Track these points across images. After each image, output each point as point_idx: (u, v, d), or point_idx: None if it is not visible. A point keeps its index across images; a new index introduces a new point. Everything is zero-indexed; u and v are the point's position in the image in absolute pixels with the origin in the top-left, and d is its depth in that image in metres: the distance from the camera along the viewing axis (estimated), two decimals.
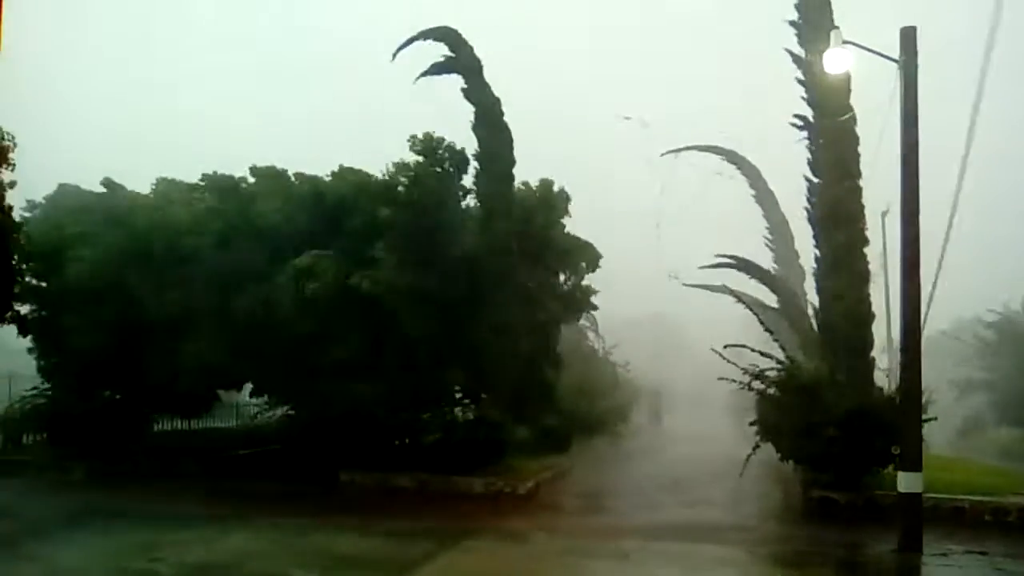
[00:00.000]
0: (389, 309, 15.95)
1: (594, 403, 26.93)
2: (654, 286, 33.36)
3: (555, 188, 19.55)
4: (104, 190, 19.41)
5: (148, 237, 17.56)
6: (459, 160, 17.58)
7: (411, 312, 16.11)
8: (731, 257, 21.38)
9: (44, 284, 18.51)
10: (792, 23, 16.53)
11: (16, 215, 14.15)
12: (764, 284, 21.66)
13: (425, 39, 18.28)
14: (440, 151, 17.16)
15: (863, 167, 15.64)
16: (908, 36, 11.71)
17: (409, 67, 17.92)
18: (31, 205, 18.72)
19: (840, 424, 13.90)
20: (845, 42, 12.14)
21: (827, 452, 14.12)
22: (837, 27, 13.12)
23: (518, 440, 18.87)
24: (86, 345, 17.79)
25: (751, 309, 21.60)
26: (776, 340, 18.44)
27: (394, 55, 17.95)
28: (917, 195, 11.45)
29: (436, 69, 18.17)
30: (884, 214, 26.90)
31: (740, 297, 22.56)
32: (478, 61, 18.22)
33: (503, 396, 17.88)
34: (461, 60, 18.19)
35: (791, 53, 16.60)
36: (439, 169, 17.16)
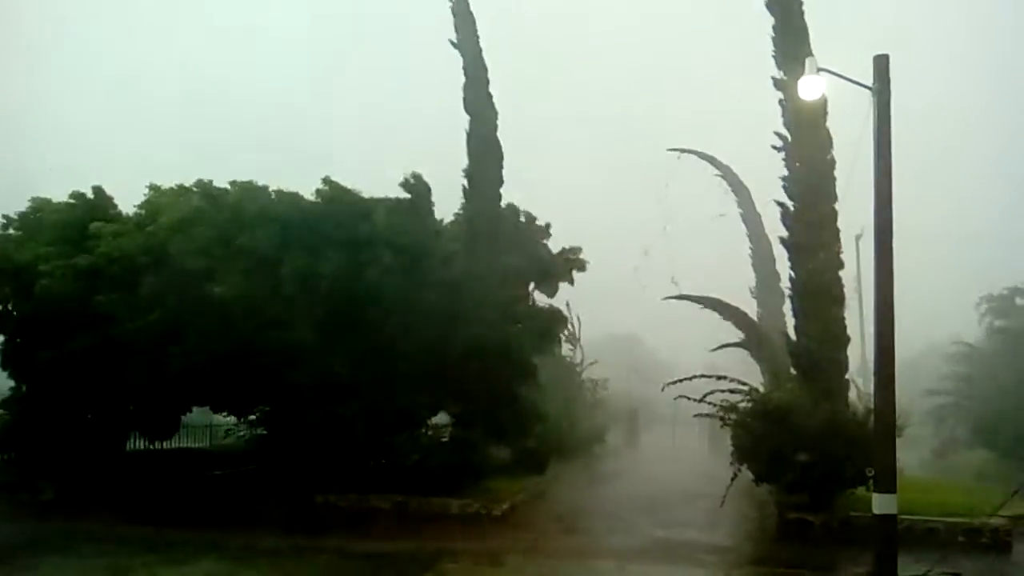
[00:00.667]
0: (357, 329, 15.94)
1: (571, 424, 26.89)
2: (633, 304, 33.52)
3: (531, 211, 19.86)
4: (74, 202, 19.15)
5: (120, 256, 17.34)
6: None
7: (385, 323, 16.09)
8: (701, 298, 21.64)
9: (11, 309, 18.25)
10: (772, 53, 16.76)
11: None
12: (735, 323, 21.96)
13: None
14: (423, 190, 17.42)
15: (838, 191, 15.82)
16: (881, 64, 11.87)
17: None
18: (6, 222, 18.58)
19: (810, 447, 13.98)
20: (820, 69, 12.30)
21: (799, 476, 14.19)
22: (811, 55, 13.29)
23: (494, 461, 18.80)
24: (57, 367, 17.48)
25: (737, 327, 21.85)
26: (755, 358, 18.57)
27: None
28: (891, 220, 11.55)
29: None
30: (858, 238, 27.21)
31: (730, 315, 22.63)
32: (485, 69, 18.52)
33: (479, 417, 17.85)
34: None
35: (773, 78, 16.79)
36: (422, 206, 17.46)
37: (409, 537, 13.63)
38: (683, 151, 30.69)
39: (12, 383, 19.09)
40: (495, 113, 18.68)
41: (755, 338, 20.45)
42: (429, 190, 17.88)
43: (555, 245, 21.46)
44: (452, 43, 19.07)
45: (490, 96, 18.72)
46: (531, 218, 20.57)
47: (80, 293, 17.11)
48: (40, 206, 19.10)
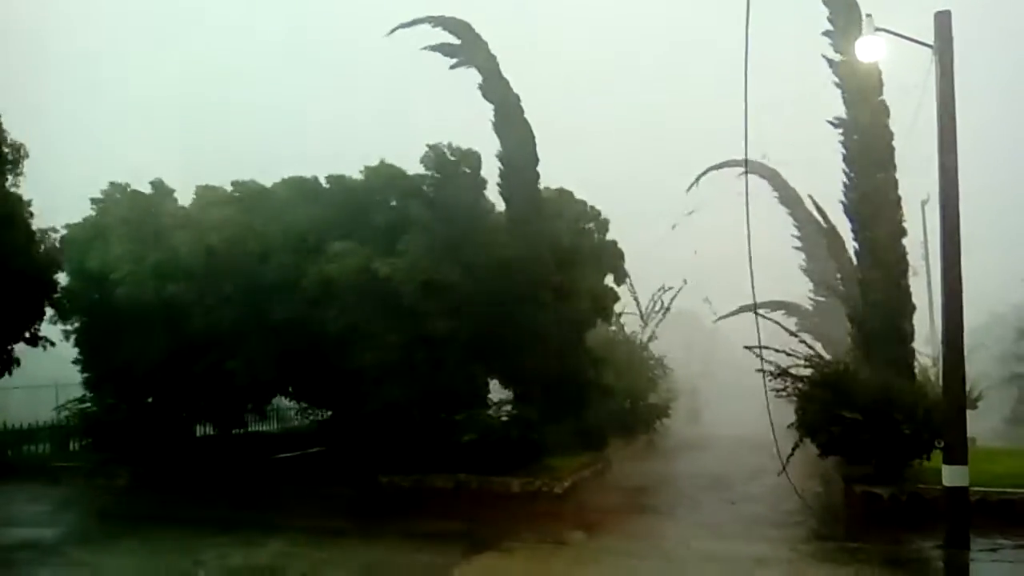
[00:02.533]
0: (410, 303, 16.06)
1: (633, 399, 26.77)
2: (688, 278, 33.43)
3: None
4: (151, 191, 19.87)
5: (187, 250, 17.89)
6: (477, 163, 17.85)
7: (432, 306, 16.22)
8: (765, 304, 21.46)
9: (95, 296, 18.90)
10: (825, 31, 16.41)
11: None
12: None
13: (434, 26, 18.66)
14: (458, 157, 17.39)
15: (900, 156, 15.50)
16: (943, 21, 11.46)
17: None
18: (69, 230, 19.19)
19: (873, 417, 13.72)
20: (877, 29, 11.95)
21: (857, 441, 13.95)
22: (869, 15, 12.88)
23: (555, 439, 18.83)
24: (129, 356, 18.19)
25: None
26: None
27: (391, 31, 18.74)
28: (956, 185, 11.20)
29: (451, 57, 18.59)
30: (924, 203, 26.51)
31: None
32: (494, 57, 18.42)
33: (538, 395, 17.89)
34: (477, 56, 18.42)
35: (825, 57, 16.49)
36: (466, 169, 17.37)
37: (471, 516, 13.75)
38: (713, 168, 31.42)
39: (87, 372, 19.79)
40: (517, 97, 18.56)
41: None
42: (479, 162, 17.83)
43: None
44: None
45: (507, 81, 18.59)
46: (572, 197, 20.49)
47: (153, 289, 17.79)
48: (104, 202, 19.75)
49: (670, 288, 32.38)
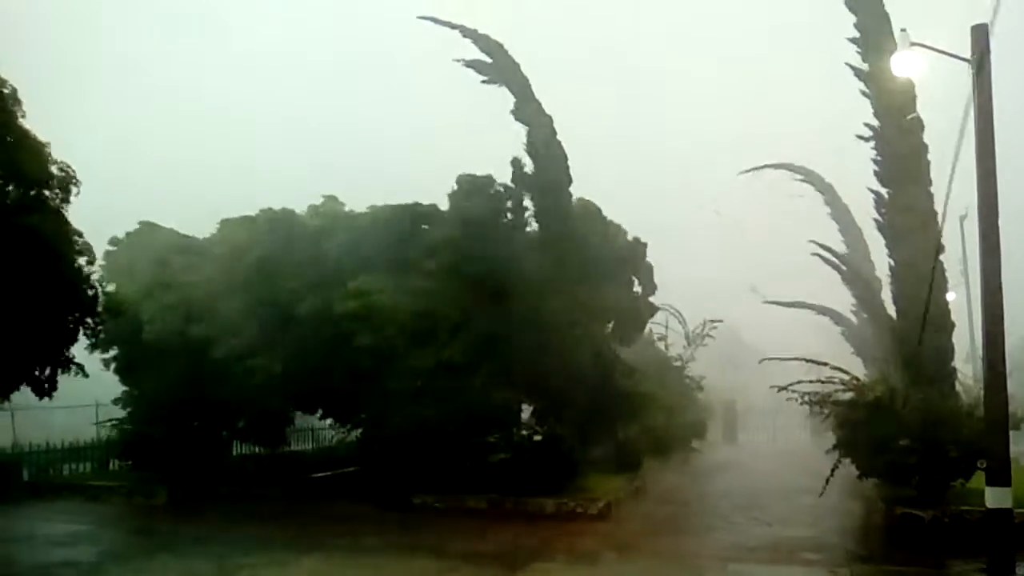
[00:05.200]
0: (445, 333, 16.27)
1: (668, 418, 26.54)
2: (724, 297, 33.38)
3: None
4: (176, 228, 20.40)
5: (220, 281, 18.35)
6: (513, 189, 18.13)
7: (469, 333, 16.43)
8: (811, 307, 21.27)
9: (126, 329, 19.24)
10: (853, 39, 16.28)
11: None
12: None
13: (464, 35, 18.90)
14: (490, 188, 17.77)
15: (939, 171, 15.28)
16: (980, 34, 11.33)
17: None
18: (113, 241, 19.55)
19: (913, 437, 13.47)
20: (913, 44, 11.82)
21: (903, 465, 13.71)
22: (904, 29, 12.76)
23: (590, 458, 18.72)
24: (166, 380, 18.60)
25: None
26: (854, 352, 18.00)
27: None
28: (996, 200, 11.01)
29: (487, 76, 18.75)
30: (963, 218, 26.11)
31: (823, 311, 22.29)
32: (526, 79, 18.61)
33: (572, 414, 17.83)
34: (511, 78, 18.61)
35: (851, 66, 16.33)
36: (492, 191, 17.69)
37: (505, 537, 13.68)
38: (755, 168, 31.93)
39: (126, 392, 20.10)
40: (550, 119, 18.66)
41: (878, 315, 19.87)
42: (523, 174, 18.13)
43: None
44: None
45: (540, 104, 18.72)
46: (600, 214, 20.57)
47: (175, 327, 18.36)
48: (123, 242, 20.27)
49: (719, 321, 33.10)
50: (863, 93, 16.14)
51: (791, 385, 15.40)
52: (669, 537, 14.27)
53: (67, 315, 13.77)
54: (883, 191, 16.03)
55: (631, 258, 21.20)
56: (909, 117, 14.76)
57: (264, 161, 68.94)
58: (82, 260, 13.82)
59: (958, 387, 15.39)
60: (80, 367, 14.57)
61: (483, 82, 18.88)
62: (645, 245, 21.61)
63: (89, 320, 14.33)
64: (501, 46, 18.85)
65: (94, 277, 14.38)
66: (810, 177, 32.15)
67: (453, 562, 11.76)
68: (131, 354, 19.32)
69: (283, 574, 11.14)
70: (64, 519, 15.85)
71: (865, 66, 16.14)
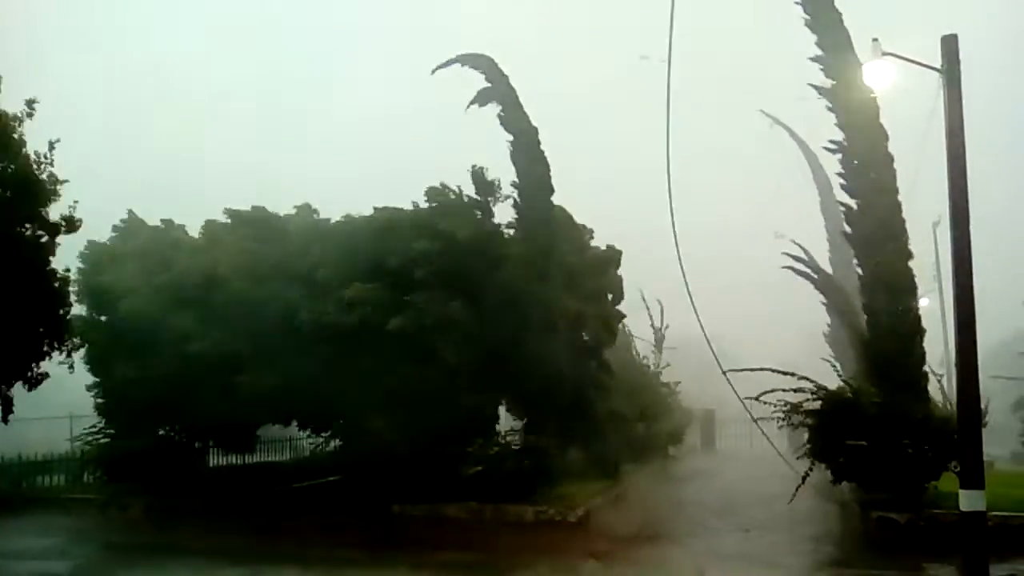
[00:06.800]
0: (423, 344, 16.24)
1: (645, 426, 26.59)
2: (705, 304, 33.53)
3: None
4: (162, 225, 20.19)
5: (197, 281, 18.01)
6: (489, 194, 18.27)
7: (447, 343, 16.42)
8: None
9: (101, 318, 18.98)
10: (815, 58, 16.42)
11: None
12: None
13: (462, 65, 18.89)
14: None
15: (909, 179, 15.51)
16: (950, 44, 11.52)
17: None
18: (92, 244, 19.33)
19: (885, 441, 13.63)
20: (884, 53, 11.98)
21: (866, 466, 13.87)
22: (876, 39, 12.91)
23: (568, 466, 18.73)
24: (140, 386, 18.12)
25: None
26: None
27: (433, 71, 19.22)
28: (967, 207, 11.19)
29: (479, 98, 18.73)
30: (936, 225, 26.42)
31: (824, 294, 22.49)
32: (514, 90, 18.58)
33: (550, 422, 17.84)
34: (498, 88, 18.60)
35: (814, 86, 16.48)
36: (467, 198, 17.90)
37: (485, 545, 13.69)
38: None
39: (100, 401, 19.77)
40: (535, 129, 18.80)
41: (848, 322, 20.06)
42: (493, 187, 18.27)
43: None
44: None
45: (527, 115, 18.86)
46: (573, 220, 20.72)
47: (159, 312, 17.79)
48: (120, 235, 20.01)
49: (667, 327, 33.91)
50: (828, 109, 16.29)
51: (762, 395, 15.51)
52: (648, 544, 14.29)
53: (37, 331, 13.62)
54: (851, 202, 16.17)
55: (605, 265, 21.25)
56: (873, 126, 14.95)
57: (263, 161, 68.84)
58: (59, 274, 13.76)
59: (931, 391, 15.53)
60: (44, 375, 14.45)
61: (472, 102, 18.99)
62: (620, 252, 21.69)
63: (57, 342, 14.23)
64: (492, 61, 19.08)
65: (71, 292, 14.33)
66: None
67: (433, 570, 11.74)
68: (106, 357, 19.01)
69: None
70: (36, 532, 15.64)
71: (828, 83, 16.29)
